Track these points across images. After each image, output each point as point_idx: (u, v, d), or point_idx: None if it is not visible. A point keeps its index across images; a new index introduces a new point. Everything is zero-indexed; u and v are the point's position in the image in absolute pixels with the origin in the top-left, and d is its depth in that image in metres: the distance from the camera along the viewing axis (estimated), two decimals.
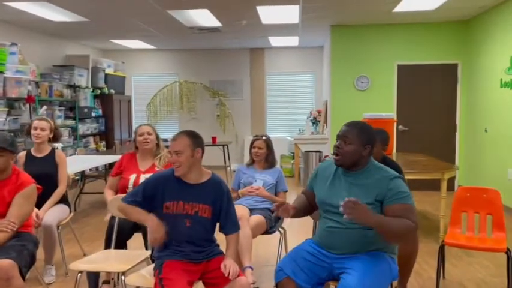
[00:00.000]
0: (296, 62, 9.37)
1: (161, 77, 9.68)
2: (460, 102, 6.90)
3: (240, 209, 3.23)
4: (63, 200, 3.66)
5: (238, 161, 9.41)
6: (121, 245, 3.09)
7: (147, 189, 2.38)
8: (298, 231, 4.66)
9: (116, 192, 3.31)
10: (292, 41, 8.47)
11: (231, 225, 2.47)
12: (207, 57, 9.50)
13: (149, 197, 2.36)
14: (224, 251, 2.45)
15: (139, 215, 2.36)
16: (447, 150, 6.92)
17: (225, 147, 7.93)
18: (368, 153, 2.24)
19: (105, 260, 2.73)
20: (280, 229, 3.50)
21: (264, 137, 3.67)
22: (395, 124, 5.84)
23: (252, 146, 3.66)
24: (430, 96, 6.98)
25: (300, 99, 9.47)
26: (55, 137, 3.72)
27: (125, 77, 9.46)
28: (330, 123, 7.33)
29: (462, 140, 6.92)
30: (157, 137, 3.39)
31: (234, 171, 9.29)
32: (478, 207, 3.22)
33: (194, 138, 2.40)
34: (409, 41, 6.95)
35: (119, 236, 3.00)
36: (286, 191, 3.64)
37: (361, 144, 2.19)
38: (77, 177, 6.34)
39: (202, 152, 2.42)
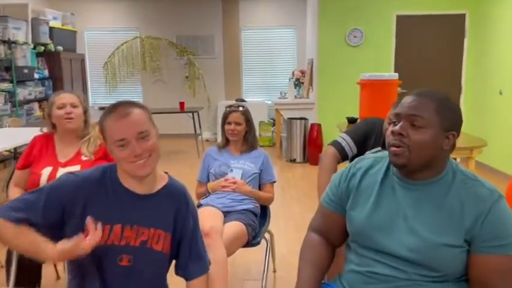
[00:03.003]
0: (275, 14, 8.16)
1: (119, 32, 8.32)
2: (466, 59, 5.97)
3: (210, 216, 2.23)
4: None
5: (210, 129, 8.34)
6: (30, 275, 2.06)
7: (51, 200, 1.35)
8: (292, 226, 3.72)
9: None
10: None
11: (195, 264, 1.50)
12: (173, 8, 8.16)
13: (55, 215, 1.34)
14: None
15: (29, 244, 1.29)
16: None
17: (195, 114, 6.82)
18: (452, 146, 1.25)
19: None
20: (265, 235, 2.53)
21: (241, 108, 2.62)
22: (398, 88, 4.88)
23: (225, 121, 2.62)
24: (433, 52, 6.02)
25: (280, 57, 8.34)
26: None
27: (75, 31, 8.06)
28: (316, 85, 6.31)
29: (468, 103, 6.04)
30: (86, 111, 2.28)
31: (207, 140, 8.35)
32: None
33: (146, 108, 1.41)
34: None
35: (26, 263, 1.96)
36: (274, 182, 2.65)
37: (442, 129, 1.22)
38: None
39: None
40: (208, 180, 2.60)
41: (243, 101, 7.99)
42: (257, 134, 7.45)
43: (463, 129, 4.71)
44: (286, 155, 6.39)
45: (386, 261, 1.26)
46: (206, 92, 8.25)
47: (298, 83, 7.09)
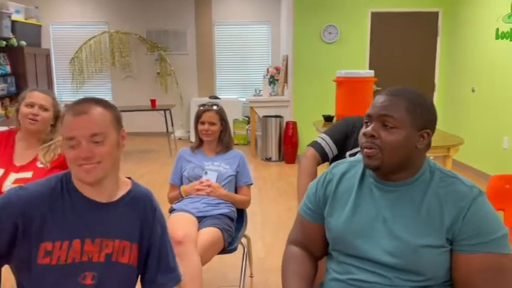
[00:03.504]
0: (249, 10, 8.02)
1: (87, 27, 7.99)
2: (439, 56, 6.01)
3: (183, 222, 2.08)
4: None
5: (183, 127, 8.13)
6: None
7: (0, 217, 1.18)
8: (268, 228, 3.61)
9: None
10: None
11: (165, 275, 1.37)
12: (143, 2, 7.89)
13: (4, 239, 1.18)
14: None
15: None
16: None
17: (167, 112, 6.61)
18: (426, 144, 1.21)
19: None
20: (242, 240, 2.41)
21: (215, 107, 2.49)
22: (374, 85, 4.84)
23: (198, 121, 2.48)
24: (407, 49, 6.03)
25: (255, 54, 8.21)
26: None
27: (40, 25, 7.67)
28: (291, 82, 6.22)
29: (441, 101, 6.09)
30: (57, 115, 2.06)
31: (180, 138, 8.13)
32: None
33: (113, 110, 1.27)
34: None
35: None
36: (251, 184, 2.53)
37: (415, 127, 1.17)
38: None
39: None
40: (181, 183, 2.46)
41: (217, 98, 7.83)
42: (232, 132, 7.41)
43: (438, 127, 4.68)
44: (262, 154, 6.28)
45: (368, 268, 1.21)
46: (178, 89, 8.03)
47: (273, 80, 6.99)
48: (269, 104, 6.37)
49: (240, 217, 2.50)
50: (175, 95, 8.04)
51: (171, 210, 2.33)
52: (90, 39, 7.90)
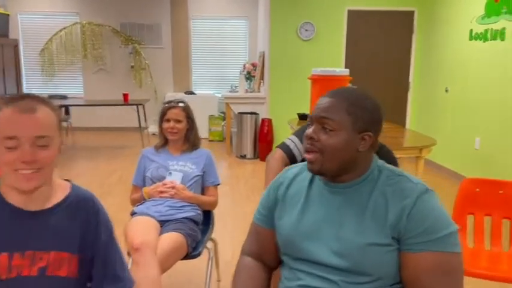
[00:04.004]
0: (226, 4, 7.88)
1: (57, 17, 7.71)
2: (414, 56, 6.03)
3: (142, 227, 1.97)
4: None
5: (157, 123, 7.93)
6: None
7: None
8: (240, 229, 3.52)
9: None
10: None
11: (112, 285, 1.26)
12: None
13: None
14: None
15: None
16: (397, 113, 6.11)
17: (140, 107, 6.43)
18: (369, 146, 1.16)
19: None
20: (207, 245, 2.31)
21: (181, 104, 2.38)
22: (349, 83, 4.80)
23: (163, 118, 2.36)
24: (382, 48, 6.02)
25: (231, 49, 8.08)
26: None
27: (7, 15, 7.35)
28: (267, 79, 6.13)
29: (415, 101, 6.11)
30: None
31: (154, 134, 7.94)
32: (490, 208, 2.28)
33: (58, 112, 1.18)
34: None
35: None
36: (219, 184, 2.44)
37: (356, 130, 1.14)
38: None
39: None
40: (144, 184, 2.34)
41: (193, 93, 7.68)
42: (207, 128, 7.29)
43: (411, 127, 4.64)
44: (237, 151, 6.18)
45: (316, 272, 1.17)
46: (153, 84, 7.85)
47: (249, 77, 6.89)
48: (245, 100, 6.27)
49: (206, 219, 2.41)
50: (149, 89, 7.85)
51: (133, 214, 2.21)
52: (61, 30, 7.63)
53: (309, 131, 1.15)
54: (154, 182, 2.28)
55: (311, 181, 1.25)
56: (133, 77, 7.80)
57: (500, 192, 2.26)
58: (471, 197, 2.30)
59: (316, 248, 1.16)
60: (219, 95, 7.63)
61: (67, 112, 6.76)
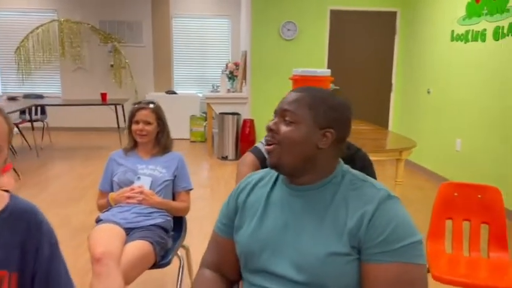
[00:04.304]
0: (208, 3, 7.77)
1: (34, 14, 7.50)
2: (397, 57, 6.00)
3: (104, 236, 1.86)
4: None
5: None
6: None
7: None
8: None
9: None
10: None
11: None
12: None
13: None
14: None
15: None
16: (380, 115, 6.08)
17: (118, 107, 6.27)
18: (330, 144, 1.10)
19: None
20: (178, 252, 2.21)
21: (151, 105, 2.27)
22: (331, 84, 4.74)
23: (132, 120, 2.25)
24: (365, 49, 5.99)
25: (214, 49, 7.96)
26: None
27: None
28: (249, 79, 6.05)
29: (398, 102, 6.09)
30: None
31: None
32: (469, 213, 2.23)
33: (10, 121, 1.09)
34: None
35: None
36: (191, 190, 2.33)
37: (317, 125, 1.08)
38: None
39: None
40: (112, 190, 2.23)
41: (174, 93, 7.55)
42: (188, 128, 7.15)
43: (394, 128, 4.58)
44: (218, 152, 6.08)
45: (275, 287, 1.08)
46: (133, 83, 7.68)
47: (231, 76, 6.79)
48: (226, 100, 6.17)
49: (178, 226, 2.31)
50: (130, 89, 7.69)
51: (98, 221, 2.10)
52: (37, 28, 7.41)
53: (270, 123, 1.12)
54: (122, 187, 2.17)
55: (273, 185, 1.18)
56: (113, 76, 7.62)
57: (479, 196, 2.21)
58: (449, 202, 2.25)
59: (276, 259, 1.09)
60: (201, 95, 7.52)
61: (43, 112, 6.56)
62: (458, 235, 2.22)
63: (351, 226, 1.02)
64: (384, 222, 1.00)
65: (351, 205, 1.05)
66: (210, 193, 4.50)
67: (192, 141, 7.18)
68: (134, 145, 2.30)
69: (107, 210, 2.14)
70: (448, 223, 2.25)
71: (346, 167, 1.15)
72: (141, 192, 2.10)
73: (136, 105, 2.26)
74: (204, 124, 7.15)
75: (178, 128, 7.14)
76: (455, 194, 2.25)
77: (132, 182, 2.17)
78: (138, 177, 2.17)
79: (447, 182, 2.31)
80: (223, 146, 6.00)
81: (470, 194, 2.23)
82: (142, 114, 2.22)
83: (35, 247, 1.09)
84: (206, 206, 4.06)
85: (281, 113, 1.11)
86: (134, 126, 2.23)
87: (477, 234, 2.19)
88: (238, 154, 5.97)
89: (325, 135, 1.08)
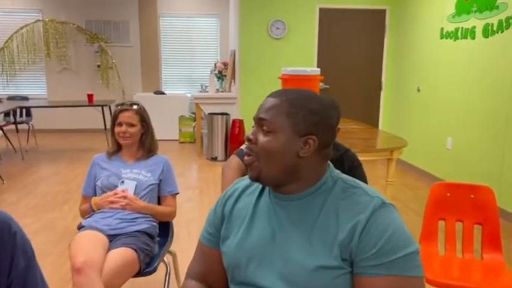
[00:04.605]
0: (196, 2, 7.68)
1: (18, 14, 7.34)
2: (386, 55, 5.98)
3: (86, 244, 1.78)
4: None
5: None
6: None
7: None
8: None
9: None
10: None
11: None
12: None
13: None
14: None
15: None
16: (370, 113, 6.05)
17: (105, 108, 6.16)
18: (312, 151, 1.01)
19: None
20: (165, 259, 2.14)
21: (135, 106, 2.19)
22: (320, 83, 4.70)
23: (115, 122, 2.17)
24: (355, 47, 5.95)
25: (202, 48, 7.88)
26: None
27: None
28: (238, 78, 5.97)
29: (388, 100, 6.07)
30: None
31: None
32: (462, 213, 2.18)
33: None
34: None
35: None
36: (177, 194, 2.26)
37: (296, 133, 1.00)
38: None
39: None
40: (95, 194, 2.14)
41: (162, 93, 7.45)
42: (177, 129, 7.06)
43: (384, 127, 4.50)
44: (207, 153, 6.00)
45: None
46: (121, 83, 7.56)
47: (221, 76, 6.71)
48: (215, 100, 6.09)
49: (164, 231, 2.23)
50: (117, 89, 7.57)
51: (80, 227, 2.01)
52: (22, 28, 7.27)
53: (249, 133, 1.05)
54: (105, 192, 2.09)
55: (260, 193, 1.11)
56: (99, 77, 7.50)
57: (472, 196, 2.17)
58: (442, 202, 2.20)
59: (263, 271, 1.02)
60: (190, 95, 7.43)
61: (28, 114, 6.42)
62: (451, 236, 2.18)
63: (342, 238, 0.95)
64: (377, 232, 0.93)
65: (342, 215, 0.98)
66: (198, 195, 4.42)
67: (181, 142, 7.09)
68: (118, 148, 2.22)
69: (89, 216, 2.06)
70: (441, 224, 2.20)
71: (337, 172, 1.08)
72: (125, 197, 2.03)
73: (119, 107, 2.18)
74: (193, 125, 7.06)
75: (167, 129, 7.05)
76: (448, 194, 2.20)
77: (115, 187, 2.09)
78: (122, 181, 2.09)
79: (439, 183, 2.26)
80: (213, 146, 5.92)
81: (463, 194, 2.18)
82: (125, 116, 2.15)
83: (9, 258, 1.02)
84: (194, 209, 3.98)
85: (258, 122, 1.04)
86: (117, 129, 2.15)
87: (470, 235, 2.15)
88: (228, 155, 5.89)
89: (307, 142, 0.99)
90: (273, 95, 1.04)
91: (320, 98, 1.03)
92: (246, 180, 1.17)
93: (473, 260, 2.11)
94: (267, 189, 1.11)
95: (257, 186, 1.13)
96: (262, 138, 1.01)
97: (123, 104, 2.20)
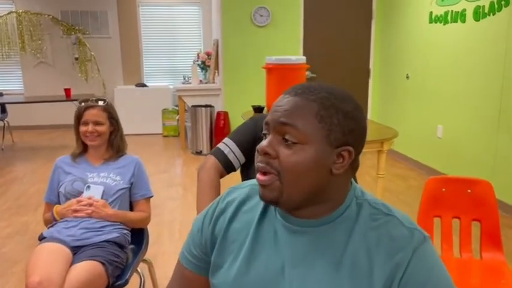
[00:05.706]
0: None
1: None
2: (374, 41, 5.80)
3: (44, 258, 1.58)
4: None
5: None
6: None
7: None
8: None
9: None
10: None
11: None
12: None
13: None
14: None
15: None
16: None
17: None
18: (348, 167, 0.80)
19: None
20: (139, 269, 1.95)
21: (100, 102, 1.99)
22: (306, 72, 4.50)
23: (79, 121, 1.97)
24: (341, 33, 5.75)
25: (185, 38, 7.61)
26: None
27: None
28: (222, 69, 5.75)
29: (376, 88, 5.90)
30: None
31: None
32: (458, 210, 2.03)
33: None
34: None
35: None
36: (151, 197, 2.07)
37: (329, 143, 0.77)
38: None
39: None
40: (58, 202, 1.94)
41: (145, 85, 7.20)
42: (160, 122, 6.83)
43: (373, 116, 4.32)
44: (192, 147, 5.79)
45: None
46: (100, 76, 7.28)
47: (204, 67, 6.48)
48: (198, 92, 5.87)
49: (138, 238, 2.04)
50: (97, 83, 7.28)
51: (41, 238, 1.82)
52: None
53: (264, 143, 0.80)
54: (69, 199, 1.89)
55: (264, 212, 0.88)
56: (78, 70, 7.20)
57: (469, 191, 2.01)
58: (437, 198, 2.05)
59: None
60: (172, 87, 7.19)
61: (3, 110, 6.14)
62: (448, 234, 2.03)
63: (379, 281, 0.77)
64: (420, 277, 0.76)
65: (375, 251, 0.79)
66: (182, 192, 4.23)
67: (164, 136, 6.87)
68: (83, 150, 2.02)
69: (51, 226, 1.86)
70: (437, 221, 2.05)
71: (360, 190, 0.86)
72: (91, 204, 1.83)
73: (83, 104, 1.98)
74: (177, 118, 6.83)
75: (150, 123, 6.82)
76: (443, 189, 2.04)
77: (80, 193, 1.89)
78: (88, 187, 1.90)
79: (434, 177, 2.11)
80: (197, 140, 5.72)
81: (459, 189, 2.03)
82: (91, 114, 1.95)
83: None
84: (177, 207, 3.79)
85: (278, 129, 0.79)
86: (82, 128, 1.95)
87: (468, 232, 2.00)
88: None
89: (342, 155, 0.79)
90: (293, 92, 0.80)
91: (352, 97, 0.82)
92: (242, 190, 0.94)
93: (472, 260, 1.96)
94: (271, 207, 0.89)
95: (258, 201, 0.90)
96: (285, 152, 0.78)
97: (87, 101, 1.99)
